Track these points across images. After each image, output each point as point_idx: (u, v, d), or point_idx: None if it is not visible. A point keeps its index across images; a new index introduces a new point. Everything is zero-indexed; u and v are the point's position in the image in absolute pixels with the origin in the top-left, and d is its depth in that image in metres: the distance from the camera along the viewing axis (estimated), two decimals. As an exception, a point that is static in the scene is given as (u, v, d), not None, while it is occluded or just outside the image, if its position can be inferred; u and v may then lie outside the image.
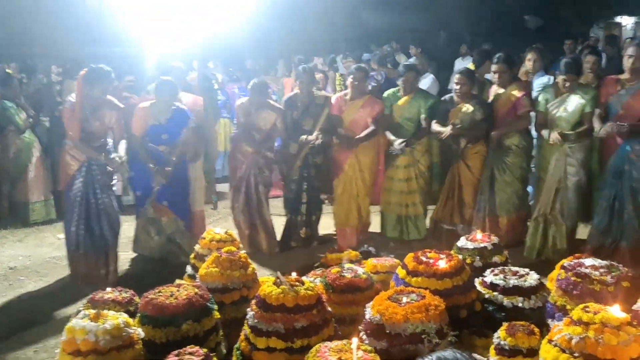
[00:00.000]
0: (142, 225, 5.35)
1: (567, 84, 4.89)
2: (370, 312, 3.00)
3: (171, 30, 7.93)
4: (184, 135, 5.17)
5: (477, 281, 3.61)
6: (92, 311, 2.89)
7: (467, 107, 5.32)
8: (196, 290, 3.21)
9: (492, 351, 2.97)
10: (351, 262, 4.09)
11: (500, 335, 2.95)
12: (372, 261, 3.98)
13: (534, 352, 2.85)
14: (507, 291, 3.45)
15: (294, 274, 3.16)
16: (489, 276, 3.58)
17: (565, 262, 3.40)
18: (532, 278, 3.52)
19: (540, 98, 5.11)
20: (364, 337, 2.99)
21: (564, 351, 2.45)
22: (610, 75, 5.02)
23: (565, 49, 8.93)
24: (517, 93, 5.18)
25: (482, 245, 3.90)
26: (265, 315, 2.93)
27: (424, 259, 3.46)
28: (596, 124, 4.76)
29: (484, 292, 3.53)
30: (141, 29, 8.23)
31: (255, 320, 2.96)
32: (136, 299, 3.47)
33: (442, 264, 3.38)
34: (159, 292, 3.21)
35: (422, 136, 5.63)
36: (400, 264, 3.60)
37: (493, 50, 6.30)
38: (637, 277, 3.27)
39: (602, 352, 2.35)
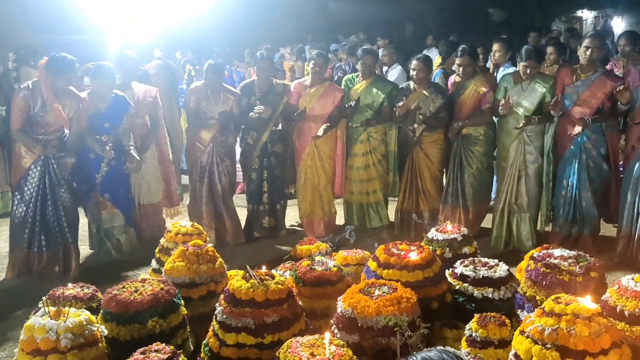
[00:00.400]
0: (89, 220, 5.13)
1: (528, 71, 4.91)
2: (342, 305, 2.96)
3: (133, 18, 7.72)
4: (124, 123, 4.92)
5: (447, 272, 3.60)
6: (53, 308, 2.76)
7: (424, 94, 5.31)
8: (162, 285, 3.11)
9: (463, 343, 2.96)
10: (321, 254, 4.06)
11: (472, 327, 2.94)
12: (342, 253, 3.93)
13: (505, 343, 2.85)
14: (477, 282, 3.45)
15: (264, 268, 3.09)
16: (459, 267, 3.58)
17: (534, 252, 3.41)
18: (502, 269, 3.53)
19: (499, 85, 5.15)
20: (336, 330, 2.95)
21: (536, 342, 2.44)
22: (566, 66, 5.09)
23: (529, 41, 9.01)
24: (482, 88, 5.19)
25: (452, 236, 3.89)
26: (235, 310, 2.86)
27: (395, 251, 3.43)
28: (554, 113, 4.83)
29: (454, 283, 3.52)
30: (101, 17, 7.99)
31: (224, 316, 2.88)
32: (99, 294, 3.34)
33: (414, 256, 3.36)
34: (123, 287, 3.10)
35: (381, 122, 5.57)
36: (371, 256, 3.58)
37: (460, 42, 6.29)
38: (603, 267, 3.31)
39: (574, 343, 2.35)
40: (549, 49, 5.87)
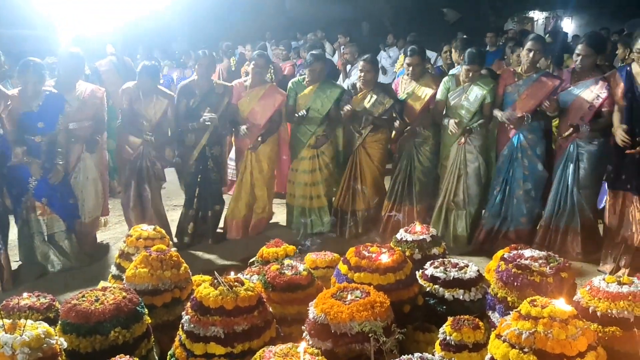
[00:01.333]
0: (20, 227, 4.77)
1: (470, 74, 5.03)
2: (314, 311, 2.88)
3: (86, 13, 7.45)
4: (60, 124, 4.65)
5: (417, 274, 3.57)
6: (7, 321, 2.57)
7: (372, 96, 5.30)
8: (124, 293, 2.96)
9: (437, 347, 2.92)
10: (289, 257, 3.96)
11: (445, 331, 2.90)
12: (311, 256, 3.85)
13: (479, 346, 2.82)
14: (448, 284, 3.42)
15: (232, 274, 2.97)
16: (430, 269, 3.55)
17: (504, 253, 3.40)
18: (472, 270, 3.51)
19: (441, 87, 5.23)
20: (308, 337, 2.86)
21: (513, 347, 2.42)
22: (508, 68, 5.28)
23: (487, 41, 9.13)
24: (431, 89, 5.26)
25: (421, 237, 3.86)
26: (203, 319, 2.74)
27: (366, 253, 3.37)
28: (497, 113, 4.98)
29: (425, 285, 3.49)
30: (52, 11, 7.68)
31: (192, 325, 2.76)
32: (56, 304, 3.16)
33: (385, 259, 3.30)
34: (83, 296, 2.93)
35: (333, 127, 5.55)
36: (341, 259, 3.51)
37: (422, 41, 6.32)
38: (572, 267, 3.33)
39: (552, 346, 2.34)
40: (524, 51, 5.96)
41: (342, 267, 3.38)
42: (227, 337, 2.71)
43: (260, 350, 2.52)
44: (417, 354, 2.51)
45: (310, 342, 2.84)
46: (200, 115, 5.22)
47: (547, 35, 9.24)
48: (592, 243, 4.87)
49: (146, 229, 3.85)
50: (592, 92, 4.64)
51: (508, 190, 5.05)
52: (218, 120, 5.23)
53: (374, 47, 10.38)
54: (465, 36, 6.18)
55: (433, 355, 2.92)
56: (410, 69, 5.29)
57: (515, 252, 3.34)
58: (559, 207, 4.86)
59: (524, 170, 4.96)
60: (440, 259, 3.66)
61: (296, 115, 5.39)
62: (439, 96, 5.20)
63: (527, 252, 3.27)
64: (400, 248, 3.81)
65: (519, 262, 3.17)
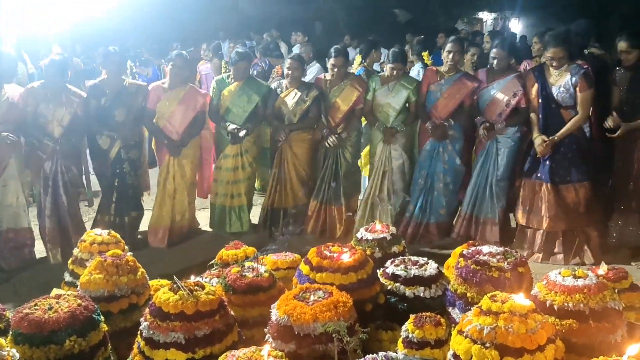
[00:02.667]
0: None
1: (395, 73, 5.26)
2: (276, 313, 2.84)
3: (30, 13, 7.21)
4: None
5: (378, 273, 3.58)
6: (-47, 334, 2.45)
7: (296, 93, 5.37)
8: (79, 300, 2.85)
9: (400, 345, 2.94)
10: (249, 259, 3.90)
11: (408, 328, 2.92)
12: (272, 257, 3.81)
13: (441, 342, 2.85)
14: (409, 281, 3.44)
15: (192, 277, 2.91)
16: (390, 267, 3.56)
17: (463, 250, 3.45)
18: (432, 267, 3.54)
19: (369, 86, 5.39)
20: (271, 340, 2.83)
21: (475, 342, 2.45)
22: (431, 67, 5.57)
23: (437, 42, 9.27)
24: (356, 90, 5.38)
25: (381, 236, 3.87)
26: (162, 325, 2.67)
27: (327, 253, 3.36)
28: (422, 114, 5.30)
29: (386, 283, 3.50)
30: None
31: (151, 332, 2.68)
32: (6, 313, 3.02)
33: (346, 258, 3.29)
34: (35, 305, 2.80)
35: (259, 124, 5.58)
36: (303, 259, 3.48)
37: (380, 41, 6.39)
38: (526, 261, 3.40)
39: (513, 340, 2.37)
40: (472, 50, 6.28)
41: (304, 268, 3.36)
42: (188, 343, 2.65)
43: (223, 355, 2.47)
44: (381, 353, 2.51)
45: (274, 345, 2.81)
46: (113, 115, 5.04)
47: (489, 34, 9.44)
48: (506, 231, 5.27)
49: (100, 234, 3.73)
50: (508, 90, 5.03)
51: (429, 184, 5.33)
52: (133, 122, 5.09)
53: (327, 47, 10.39)
54: (422, 36, 6.26)
55: (396, 353, 2.95)
56: (335, 70, 5.39)
57: (473, 248, 3.39)
58: (477, 199, 5.20)
59: (444, 164, 5.26)
60: (401, 257, 3.69)
61: (223, 125, 5.36)
62: (366, 96, 5.38)
63: (485, 249, 3.32)
64: (360, 247, 3.83)
65: (477, 258, 3.22)
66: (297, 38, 8.77)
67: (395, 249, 3.88)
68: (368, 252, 3.79)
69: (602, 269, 3.23)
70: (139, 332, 2.79)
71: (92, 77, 7.07)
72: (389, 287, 3.47)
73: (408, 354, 2.86)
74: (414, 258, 3.66)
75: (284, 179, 5.51)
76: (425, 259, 3.68)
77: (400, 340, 2.95)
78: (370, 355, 2.50)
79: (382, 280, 3.52)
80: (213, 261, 3.95)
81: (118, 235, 3.81)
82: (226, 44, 9.90)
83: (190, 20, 13.89)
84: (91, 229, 5.05)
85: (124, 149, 5.14)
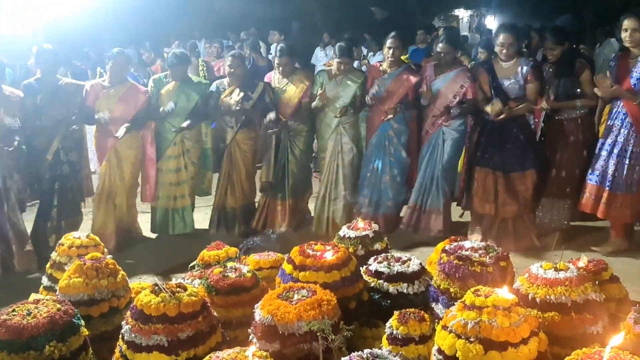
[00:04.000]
0: None
1: (342, 67, 5.31)
2: (260, 313, 2.82)
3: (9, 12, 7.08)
4: None
5: (362, 270, 3.57)
6: None
7: (239, 93, 5.33)
8: (58, 305, 2.79)
9: (384, 341, 2.94)
10: (231, 259, 3.87)
11: (392, 325, 2.92)
12: (254, 257, 3.78)
13: (425, 338, 2.86)
14: (392, 278, 3.44)
15: (174, 279, 2.87)
16: (373, 264, 3.55)
17: (445, 245, 3.46)
18: (414, 263, 3.54)
19: (316, 81, 5.45)
20: (255, 340, 2.81)
21: (459, 337, 2.45)
22: (376, 63, 5.64)
23: (416, 39, 9.29)
24: (303, 84, 5.42)
25: (364, 233, 3.87)
26: (144, 327, 2.63)
27: (310, 252, 3.34)
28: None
29: (369, 280, 3.49)
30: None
31: (133, 335, 2.64)
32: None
33: (329, 256, 3.29)
34: (13, 310, 2.73)
35: (197, 124, 5.48)
36: (285, 258, 3.47)
37: (358, 39, 6.38)
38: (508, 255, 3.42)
39: (496, 334, 2.39)
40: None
41: (287, 267, 3.34)
42: (171, 345, 2.61)
43: (207, 357, 2.44)
44: (367, 350, 2.50)
45: (258, 345, 2.79)
46: (49, 113, 4.89)
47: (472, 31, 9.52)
48: (450, 220, 5.45)
49: (78, 237, 3.67)
50: (456, 83, 5.16)
51: (377, 177, 5.41)
52: (72, 121, 4.92)
53: (305, 46, 10.38)
54: (403, 33, 6.17)
55: (380, 350, 2.95)
56: (280, 68, 5.43)
57: (455, 243, 3.40)
58: (425, 190, 5.34)
59: (390, 157, 5.37)
60: (384, 254, 3.69)
61: (162, 109, 5.26)
62: (312, 90, 5.41)
63: (467, 244, 3.34)
64: (343, 245, 3.83)
65: (459, 253, 3.23)
66: (274, 37, 8.73)
67: (377, 246, 3.89)
68: (351, 250, 3.78)
69: (583, 261, 3.26)
70: (120, 336, 2.74)
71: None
72: (372, 284, 3.47)
73: (393, 350, 2.86)
74: (397, 254, 3.67)
75: (235, 178, 5.48)
76: (408, 255, 3.70)
77: (384, 336, 2.95)
78: (356, 353, 2.50)
79: (365, 277, 3.52)
80: (194, 262, 3.91)
81: (97, 238, 3.75)
82: (202, 43, 9.83)
83: (163, 19, 13.74)
84: (31, 235, 4.97)
85: (63, 150, 4.95)
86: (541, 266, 2.90)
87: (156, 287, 2.74)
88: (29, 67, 5.97)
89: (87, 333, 2.84)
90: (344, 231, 3.93)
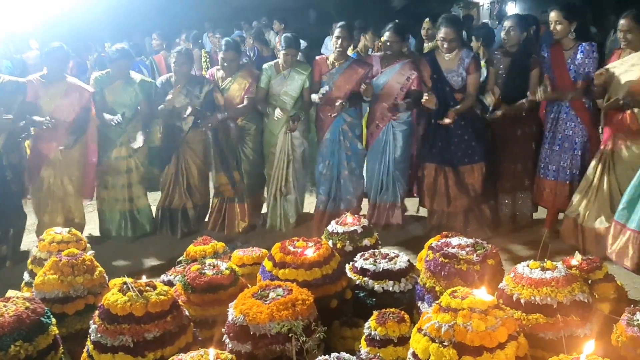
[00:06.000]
0: None
1: (289, 59, 5.16)
2: (233, 312, 2.74)
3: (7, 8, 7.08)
4: None
5: (347, 267, 3.47)
6: None
7: (186, 91, 5.16)
8: (27, 303, 2.73)
9: (363, 342, 2.83)
10: (217, 255, 3.80)
11: (370, 326, 2.80)
12: (238, 253, 3.70)
13: (404, 340, 2.74)
14: (378, 275, 3.33)
15: (144, 278, 2.80)
16: (359, 261, 3.45)
17: (432, 242, 3.33)
18: (402, 260, 3.43)
19: (263, 75, 5.30)
20: (227, 340, 2.72)
21: (433, 340, 2.33)
22: (322, 56, 5.45)
23: (423, 27, 9.04)
24: (246, 80, 5.27)
25: (352, 228, 3.76)
26: (110, 327, 2.56)
27: (291, 249, 3.24)
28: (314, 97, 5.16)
29: (354, 278, 3.38)
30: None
31: (99, 335, 2.58)
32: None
33: (310, 253, 3.18)
34: (-19, 309, 2.70)
35: (145, 127, 5.29)
36: (267, 255, 3.37)
37: (367, 26, 6.20)
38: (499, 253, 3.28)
39: (471, 338, 2.26)
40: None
41: (267, 264, 3.25)
42: (137, 346, 2.54)
43: (170, 359, 2.36)
44: (333, 354, 2.41)
45: (230, 346, 2.70)
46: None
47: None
48: (399, 216, 5.34)
49: (60, 232, 3.62)
50: (401, 75, 5.05)
51: (335, 173, 5.30)
52: (12, 122, 4.64)
53: (320, 36, 10.23)
54: (350, 23, 5.87)
55: (359, 350, 2.84)
56: (225, 64, 5.25)
57: (443, 240, 3.27)
58: (382, 186, 5.26)
59: (347, 151, 5.26)
60: (371, 251, 3.57)
61: (109, 121, 5.02)
62: (260, 84, 5.27)
63: (455, 241, 3.20)
64: (331, 240, 3.72)
65: (446, 251, 3.10)
66: (275, 26, 8.58)
67: (366, 241, 3.77)
68: (339, 246, 3.69)
69: (576, 259, 3.10)
70: (88, 335, 2.68)
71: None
72: (357, 282, 3.36)
73: (370, 351, 2.76)
74: (385, 251, 3.55)
75: (183, 178, 5.32)
76: (397, 251, 3.58)
77: (363, 337, 2.84)
78: (322, 356, 2.39)
79: (351, 274, 3.41)
80: (181, 258, 3.84)
81: (79, 233, 3.70)
82: (206, 34, 9.74)
83: (179, 10, 13.70)
84: None
85: (5, 154, 4.73)
86: (527, 265, 2.75)
87: (124, 286, 2.66)
88: (24, 59, 5.93)
89: (56, 332, 2.78)
90: (332, 226, 3.82)
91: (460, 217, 5.08)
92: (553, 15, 4.63)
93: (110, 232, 5.29)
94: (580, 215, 4.55)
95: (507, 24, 4.92)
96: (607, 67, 4.37)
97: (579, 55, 4.63)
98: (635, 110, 4.23)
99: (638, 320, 2.70)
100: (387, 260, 3.42)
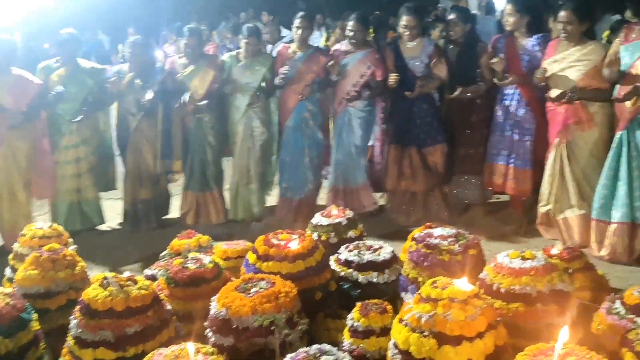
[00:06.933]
0: None
1: (249, 48, 5.21)
2: (215, 306, 2.73)
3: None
4: None
5: (332, 259, 3.47)
6: None
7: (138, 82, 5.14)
8: (8, 299, 2.72)
9: (346, 333, 2.83)
10: (201, 248, 3.78)
11: (353, 317, 2.81)
12: (222, 246, 3.69)
13: (387, 330, 2.73)
14: (362, 267, 3.33)
15: (126, 273, 2.79)
16: (344, 253, 3.44)
17: (415, 233, 3.33)
18: (386, 251, 3.43)
19: (225, 65, 5.32)
20: (210, 334, 2.72)
21: (414, 330, 2.34)
22: (284, 45, 5.56)
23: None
24: (211, 70, 5.28)
25: (337, 220, 3.75)
26: (91, 322, 2.55)
27: (275, 241, 3.24)
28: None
29: (339, 270, 3.38)
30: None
31: (79, 330, 2.57)
32: None
33: (294, 245, 3.18)
34: (-40, 305, 2.68)
35: (93, 112, 5.25)
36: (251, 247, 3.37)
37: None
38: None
39: (451, 328, 2.27)
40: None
41: (251, 257, 3.24)
42: (118, 341, 2.53)
43: (150, 354, 2.36)
44: (314, 346, 2.40)
45: (213, 339, 2.70)
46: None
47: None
48: (370, 196, 5.51)
49: (41, 227, 3.59)
50: (363, 64, 5.16)
51: (296, 161, 5.36)
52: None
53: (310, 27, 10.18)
54: (310, 13, 5.83)
55: (342, 342, 2.85)
56: (189, 50, 5.27)
57: (426, 231, 3.28)
58: (343, 170, 5.38)
59: (308, 139, 5.33)
60: (355, 242, 3.57)
61: (50, 94, 4.95)
62: (223, 75, 5.28)
63: (437, 231, 3.21)
64: (315, 233, 3.72)
65: (428, 241, 3.11)
66: (263, 18, 8.54)
67: (351, 233, 3.76)
68: (323, 238, 3.69)
69: (557, 247, 3.12)
70: (68, 330, 2.67)
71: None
72: (342, 274, 3.36)
73: (354, 343, 2.77)
74: (369, 242, 3.55)
75: (143, 169, 5.25)
76: (381, 243, 3.58)
77: (346, 329, 2.85)
78: (302, 349, 2.40)
79: (335, 266, 3.41)
80: (165, 252, 3.83)
81: (60, 228, 3.68)
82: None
83: (167, 3, 13.58)
84: None
85: None
86: (508, 255, 2.76)
87: (105, 281, 2.65)
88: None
89: (38, 327, 2.78)
90: (317, 218, 3.81)
91: (420, 199, 5.24)
92: (507, 8, 4.84)
93: (65, 226, 5.08)
94: (552, 208, 4.67)
95: (450, 17, 5.17)
96: (544, 66, 4.55)
97: (530, 46, 4.81)
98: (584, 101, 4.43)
99: (618, 308, 2.74)
100: (371, 251, 3.42)
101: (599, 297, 2.97)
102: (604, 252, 4.26)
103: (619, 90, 4.25)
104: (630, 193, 4.23)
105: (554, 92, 4.50)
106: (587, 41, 4.46)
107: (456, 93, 4.98)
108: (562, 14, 4.41)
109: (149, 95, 5.03)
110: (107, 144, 5.49)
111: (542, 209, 4.76)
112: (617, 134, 4.30)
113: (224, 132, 5.39)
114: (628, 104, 4.19)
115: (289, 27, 7.32)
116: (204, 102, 5.17)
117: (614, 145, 4.30)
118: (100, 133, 5.33)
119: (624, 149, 4.24)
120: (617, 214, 4.26)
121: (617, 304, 2.77)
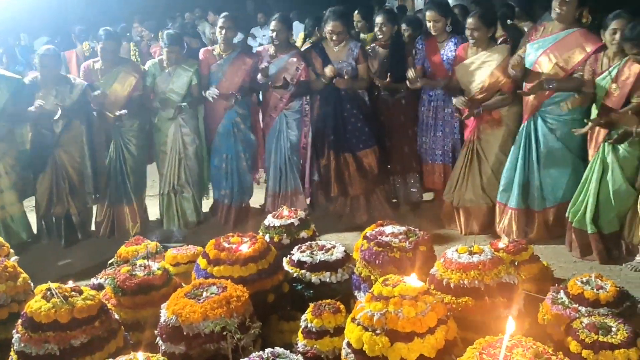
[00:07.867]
0: None
1: (172, 56, 5.08)
2: (165, 313, 2.68)
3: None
4: None
5: (285, 260, 3.45)
6: None
7: (56, 91, 4.93)
8: (-57, 317, 2.60)
9: (300, 335, 2.83)
10: (152, 254, 3.70)
11: (307, 318, 2.81)
12: (172, 252, 3.62)
13: (340, 330, 2.75)
14: (314, 267, 3.32)
15: (70, 283, 2.70)
16: (297, 254, 3.43)
17: (367, 231, 3.35)
18: (339, 251, 3.43)
19: (148, 72, 5.21)
20: (160, 342, 2.67)
21: (366, 329, 2.36)
22: (207, 48, 5.46)
23: (354, 19, 9.07)
24: (132, 76, 5.13)
25: (288, 221, 3.74)
26: (34, 336, 2.46)
27: (225, 245, 3.20)
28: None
29: (292, 271, 3.37)
30: None
31: (22, 344, 2.47)
32: None
33: (245, 249, 3.14)
34: None
35: (10, 125, 5.01)
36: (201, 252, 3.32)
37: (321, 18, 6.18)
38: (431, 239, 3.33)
39: (402, 325, 2.29)
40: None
41: (202, 262, 3.19)
42: (63, 354, 2.45)
43: (99, 365, 2.30)
44: (268, 350, 2.39)
45: (163, 347, 2.65)
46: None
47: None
48: (303, 201, 5.43)
49: (-20, 239, 3.45)
50: (291, 66, 5.15)
51: (233, 166, 5.33)
52: None
53: (257, 25, 10.11)
54: (235, 14, 5.78)
55: (296, 344, 2.84)
56: (106, 56, 5.04)
57: (377, 229, 3.30)
58: (282, 174, 5.36)
59: (241, 143, 5.34)
60: (308, 243, 3.56)
61: None
62: (146, 83, 5.17)
63: (388, 229, 3.23)
64: (268, 234, 3.70)
65: (380, 239, 3.12)
66: (209, 17, 8.43)
67: (304, 234, 3.76)
68: (276, 239, 3.66)
69: (503, 241, 3.19)
70: (12, 345, 2.57)
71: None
72: (295, 275, 3.35)
73: (307, 344, 2.77)
74: (321, 242, 3.55)
75: (65, 183, 5.01)
76: (333, 242, 3.58)
77: (300, 330, 2.84)
78: (256, 353, 2.38)
79: (288, 267, 3.39)
80: (113, 259, 3.73)
81: (1, 239, 3.53)
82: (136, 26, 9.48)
83: (112, 3, 13.23)
84: None
85: None
86: (456, 250, 2.81)
87: (48, 292, 2.56)
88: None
89: (-24, 344, 2.66)
90: (269, 220, 3.79)
91: (362, 200, 5.28)
92: (429, 14, 4.90)
93: None
94: (455, 198, 4.92)
95: (378, 20, 5.14)
96: (454, 70, 4.81)
97: (451, 47, 4.95)
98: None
99: (562, 298, 2.83)
100: (323, 251, 3.42)
101: (545, 288, 3.05)
102: (513, 237, 4.42)
103: (525, 85, 4.49)
104: (526, 182, 4.55)
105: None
106: (493, 45, 4.74)
107: (385, 82, 5.03)
108: (469, 20, 4.62)
109: (58, 113, 4.78)
110: (25, 157, 5.14)
111: (447, 199, 5.00)
112: (522, 126, 4.59)
113: (147, 141, 5.23)
114: (531, 97, 4.46)
115: (239, 27, 7.24)
116: (123, 111, 4.93)
117: (518, 136, 4.60)
118: (17, 146, 5.04)
119: (524, 140, 4.54)
120: (513, 200, 4.60)
121: (561, 294, 2.86)
